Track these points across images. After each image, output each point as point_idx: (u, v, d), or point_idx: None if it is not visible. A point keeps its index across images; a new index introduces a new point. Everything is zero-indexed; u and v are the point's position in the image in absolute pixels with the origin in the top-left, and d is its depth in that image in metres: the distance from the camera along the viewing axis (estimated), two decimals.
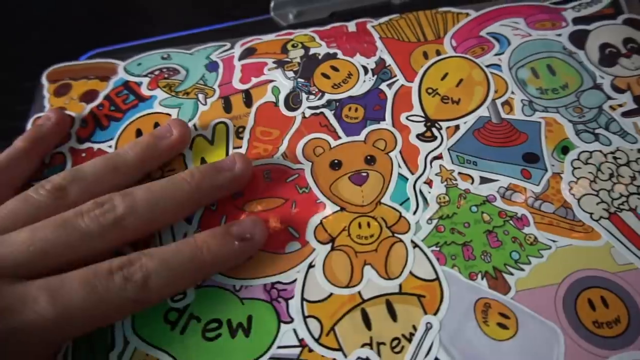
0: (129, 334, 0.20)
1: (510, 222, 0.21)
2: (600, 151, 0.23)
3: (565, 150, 0.23)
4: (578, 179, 0.22)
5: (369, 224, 0.22)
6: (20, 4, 0.40)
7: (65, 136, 0.27)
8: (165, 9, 0.40)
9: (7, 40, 0.38)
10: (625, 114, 0.24)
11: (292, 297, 0.20)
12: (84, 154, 0.26)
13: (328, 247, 0.21)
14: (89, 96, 0.28)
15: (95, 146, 0.26)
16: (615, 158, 0.22)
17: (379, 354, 0.19)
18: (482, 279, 0.20)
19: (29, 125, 0.28)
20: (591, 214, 0.21)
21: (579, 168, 0.22)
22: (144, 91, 0.28)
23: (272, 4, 0.33)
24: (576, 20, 0.27)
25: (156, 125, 0.26)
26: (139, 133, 0.26)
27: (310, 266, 0.21)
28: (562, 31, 0.27)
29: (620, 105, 0.24)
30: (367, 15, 0.30)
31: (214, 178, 0.22)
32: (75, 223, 0.19)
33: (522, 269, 0.20)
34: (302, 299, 0.20)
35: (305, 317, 0.20)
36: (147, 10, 0.40)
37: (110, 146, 0.26)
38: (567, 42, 0.26)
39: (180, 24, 0.35)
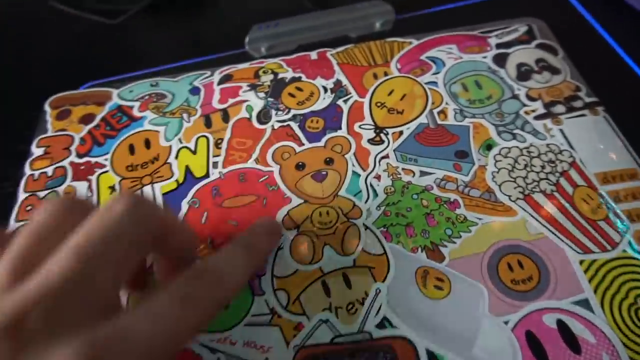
0: None
1: (445, 205, 0.26)
2: (517, 147, 0.27)
3: (489, 147, 0.28)
4: (499, 169, 0.27)
5: (328, 213, 0.26)
6: (24, 44, 0.45)
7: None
8: (151, 48, 0.45)
9: (10, 75, 0.43)
10: (537, 117, 0.29)
11: (263, 274, 0.24)
12: (82, 167, 0.30)
13: (294, 232, 0.25)
14: (87, 119, 0.32)
15: (93, 160, 0.30)
16: (529, 152, 0.27)
17: (337, 315, 0.23)
18: (422, 251, 0.24)
19: (33, 148, 0.32)
20: (509, 196, 0.25)
21: (500, 161, 0.27)
22: (136, 113, 0.32)
23: (247, 39, 0.38)
24: (499, 45, 0.33)
25: (146, 140, 0.31)
26: (131, 148, 0.30)
27: (279, 249, 0.25)
28: (487, 54, 0.32)
29: (533, 111, 0.29)
30: (328, 46, 0.36)
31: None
32: None
33: (454, 242, 0.24)
34: (272, 275, 0.24)
35: (275, 290, 0.24)
36: (136, 49, 0.45)
37: (106, 159, 0.30)
38: (491, 63, 0.32)
39: (166, 60, 0.40)
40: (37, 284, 0.14)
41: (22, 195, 0.29)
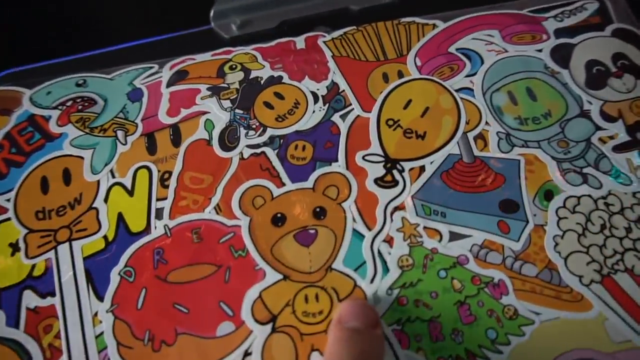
0: None
1: (486, 289, 0.18)
2: (590, 196, 0.19)
3: (548, 195, 0.19)
4: (564, 232, 0.18)
5: (317, 297, 0.18)
6: None
7: None
8: (97, 14, 0.35)
9: None
10: (617, 148, 0.20)
11: None
12: None
13: (268, 328, 0.18)
14: None
15: None
16: (607, 204, 0.19)
17: None
18: None
19: None
20: (580, 277, 0.18)
21: (566, 218, 0.19)
22: (53, 127, 0.23)
23: (212, 13, 0.28)
24: (559, 32, 0.23)
25: (65, 171, 0.22)
26: (44, 182, 0.22)
27: (247, 354, 0.17)
28: (543, 45, 0.23)
29: (611, 137, 0.20)
30: (322, 24, 0.26)
31: None
32: None
33: (501, 352, 0.17)
34: None
35: None
36: (74, 19, 0.35)
37: (8, 199, 0.21)
38: (549, 60, 0.22)
39: (113, 34, 0.30)
40: None
41: None
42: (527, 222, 0.19)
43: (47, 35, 0.33)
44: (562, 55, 0.23)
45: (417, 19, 0.25)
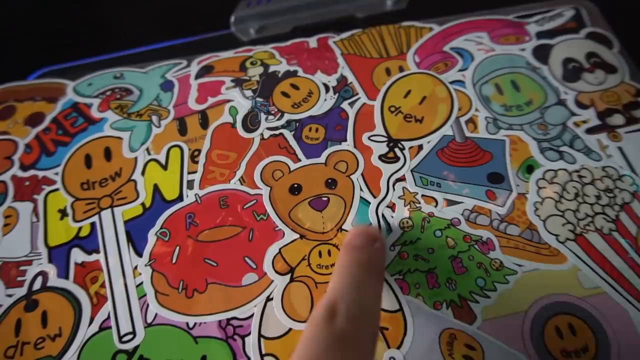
0: None
1: (476, 246, 0.20)
2: (565, 170, 0.22)
3: (530, 169, 0.22)
4: (543, 199, 0.21)
5: (329, 252, 0.21)
6: None
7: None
8: (125, 23, 0.39)
9: None
10: (590, 131, 0.23)
11: (248, 334, 0.19)
12: (27, 182, 0.24)
13: (287, 278, 0.20)
14: (34, 119, 0.27)
15: (40, 173, 0.25)
16: (580, 177, 0.22)
17: None
18: (447, 308, 0.19)
19: None
20: (557, 235, 0.20)
21: (544, 188, 0.22)
22: (94, 113, 0.26)
23: (232, 19, 0.32)
24: (540, 35, 0.27)
25: (107, 149, 0.25)
26: (87, 158, 0.25)
27: (268, 299, 0.20)
28: (526, 46, 0.26)
29: (584, 122, 0.23)
30: (331, 29, 0.30)
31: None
32: None
33: (488, 296, 0.19)
34: (260, 335, 0.19)
35: (262, 356, 0.19)
36: (105, 25, 0.38)
37: (56, 173, 0.24)
38: (531, 57, 0.26)
39: (140, 39, 0.34)
40: None
41: None
42: (511, 190, 0.22)
43: (80, 39, 0.36)
44: (542, 53, 0.26)
45: (416, 23, 0.28)
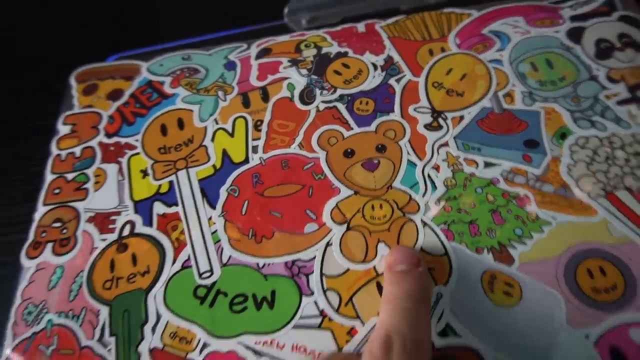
0: (162, 308, 0.22)
1: (513, 201, 0.23)
2: (596, 136, 0.24)
3: (563, 136, 0.24)
4: (576, 162, 0.24)
5: (381, 206, 0.23)
6: (46, 10, 0.42)
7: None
8: (181, 15, 0.42)
9: (33, 43, 0.40)
10: (620, 103, 0.25)
11: (311, 273, 0.22)
12: (112, 148, 0.28)
13: (344, 227, 0.23)
14: (115, 95, 0.30)
15: (123, 140, 0.28)
16: (610, 142, 0.24)
17: None
18: (488, 253, 0.22)
19: (59, 125, 0.30)
20: (588, 192, 0.23)
21: (577, 152, 0.24)
22: (167, 89, 0.30)
23: (285, 10, 0.35)
24: (573, 18, 0.29)
25: (179, 120, 0.28)
26: (163, 128, 0.28)
27: (328, 245, 0.23)
28: (560, 28, 0.28)
29: (615, 95, 0.25)
30: (376, 19, 0.32)
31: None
32: None
33: (525, 243, 0.22)
34: (321, 274, 0.22)
35: (325, 290, 0.22)
36: (163, 17, 0.42)
37: (137, 140, 0.28)
38: (565, 38, 0.28)
39: (196, 30, 0.37)
40: None
41: (49, 177, 0.27)
42: (546, 154, 0.24)
43: (140, 32, 0.40)
44: (575, 35, 0.28)
45: (456, 10, 0.31)
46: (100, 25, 0.41)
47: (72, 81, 0.32)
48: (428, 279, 0.21)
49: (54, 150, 0.28)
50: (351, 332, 0.21)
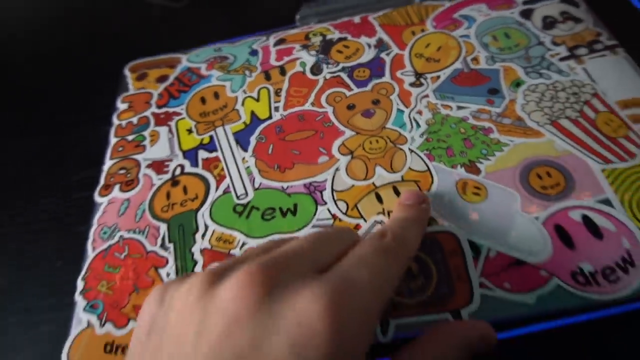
0: (209, 221, 0.28)
1: (480, 132, 0.29)
2: (544, 83, 0.31)
3: (518, 84, 0.31)
4: (528, 101, 0.30)
5: (377, 141, 0.30)
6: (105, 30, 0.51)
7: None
8: (202, 25, 0.50)
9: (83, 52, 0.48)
10: (562, 59, 0.32)
11: (324, 189, 0.28)
12: (162, 116, 0.35)
13: (349, 157, 0.30)
14: (162, 79, 0.38)
15: (171, 109, 0.35)
16: (554, 87, 0.31)
17: (388, 216, 0.26)
18: (461, 167, 0.28)
19: (118, 103, 0.37)
20: (538, 122, 0.29)
21: (528, 95, 0.30)
22: (203, 72, 0.37)
23: (297, 16, 0.43)
24: (525, 2, 0.36)
25: (215, 93, 0.35)
26: (202, 99, 0.35)
27: (337, 170, 0.29)
28: (514, 9, 0.36)
29: (557, 54, 0.32)
30: None
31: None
32: None
33: (489, 159, 0.28)
34: (332, 190, 0.28)
35: (335, 201, 0.28)
36: (198, 29, 0.50)
37: (182, 109, 0.35)
38: (518, 17, 0.35)
39: (215, 37, 0.44)
40: (282, 253, 0.18)
41: (113, 140, 0.34)
42: (505, 98, 0.31)
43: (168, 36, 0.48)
44: (526, 14, 0.35)
45: (433, 2, 0.38)
46: (127, 36, 0.48)
47: (126, 71, 0.39)
48: (429, 214, 0.25)
49: (115, 121, 0.36)
50: (356, 227, 0.27)
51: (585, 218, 0.25)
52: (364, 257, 0.19)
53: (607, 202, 0.25)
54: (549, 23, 0.34)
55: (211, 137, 0.33)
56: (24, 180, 0.36)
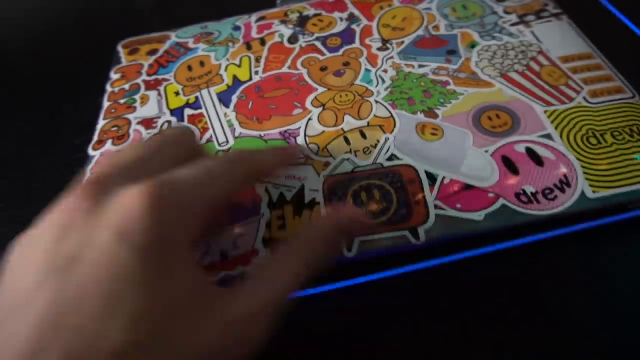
0: None
1: (438, 84, 0.33)
2: (496, 44, 0.34)
3: (473, 46, 0.35)
4: (481, 59, 0.34)
5: (346, 95, 0.33)
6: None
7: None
8: (180, 8, 0.53)
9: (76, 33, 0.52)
10: (512, 25, 0.36)
11: (298, 135, 0.31)
12: (152, 82, 0.38)
13: (320, 108, 0.33)
14: (152, 52, 0.41)
15: (160, 77, 0.38)
16: (505, 47, 0.34)
17: (355, 155, 0.29)
18: (420, 113, 0.31)
19: (111, 74, 0.40)
20: (489, 75, 0.32)
21: (482, 54, 0.34)
22: (190, 45, 0.41)
23: (277, 1, 0.46)
24: None
25: (201, 61, 0.39)
26: (189, 67, 0.38)
27: (309, 119, 0.32)
28: None
29: (508, 21, 0.36)
30: None
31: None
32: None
33: (446, 106, 0.31)
34: (305, 135, 0.31)
35: (308, 144, 0.31)
36: (164, 9, 0.53)
37: (170, 75, 0.38)
38: None
39: (195, 21, 0.47)
40: (118, 159, 0.20)
41: (106, 104, 0.37)
42: (461, 57, 0.34)
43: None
44: None
45: None
46: (106, 18, 0.52)
47: (119, 48, 0.42)
48: (292, 158, 0.28)
49: (109, 89, 0.39)
50: (326, 164, 0.29)
51: (529, 150, 0.28)
52: (201, 163, 0.20)
53: (548, 136, 0.28)
54: None
55: (196, 98, 0.36)
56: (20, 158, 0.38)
